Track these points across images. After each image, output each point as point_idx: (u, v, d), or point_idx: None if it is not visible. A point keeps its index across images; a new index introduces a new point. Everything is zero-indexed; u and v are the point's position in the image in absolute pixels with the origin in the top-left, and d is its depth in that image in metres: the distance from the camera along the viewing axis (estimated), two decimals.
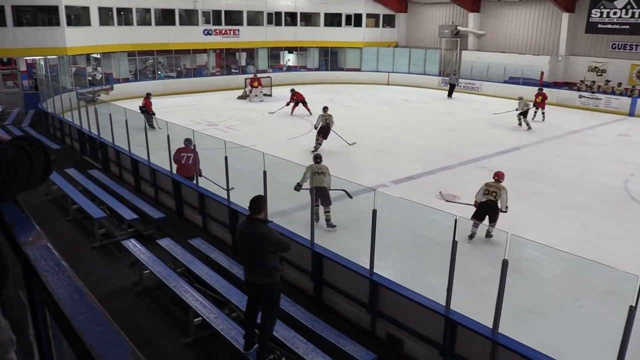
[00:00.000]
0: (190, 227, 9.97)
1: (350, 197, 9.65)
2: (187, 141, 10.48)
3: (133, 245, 8.02)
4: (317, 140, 14.95)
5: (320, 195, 9.26)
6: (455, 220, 5.24)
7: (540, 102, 20.51)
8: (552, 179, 12.91)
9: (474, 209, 9.10)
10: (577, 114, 22.49)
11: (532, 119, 20.40)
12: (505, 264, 4.96)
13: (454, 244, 5.34)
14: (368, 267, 6.36)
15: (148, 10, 26.41)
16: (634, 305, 4.21)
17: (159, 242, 8.30)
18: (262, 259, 5.25)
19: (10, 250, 1.58)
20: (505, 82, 27.20)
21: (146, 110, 17.29)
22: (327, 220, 9.52)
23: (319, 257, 7.08)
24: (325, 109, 15.44)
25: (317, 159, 9.83)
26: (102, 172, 12.92)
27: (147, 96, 18.32)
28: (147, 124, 13.77)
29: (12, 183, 1.43)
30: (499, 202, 8.80)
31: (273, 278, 5.34)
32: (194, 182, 10.09)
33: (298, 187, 9.50)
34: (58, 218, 10.57)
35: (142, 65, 27.74)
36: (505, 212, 8.86)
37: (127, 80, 26.16)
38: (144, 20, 26.56)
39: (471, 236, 8.92)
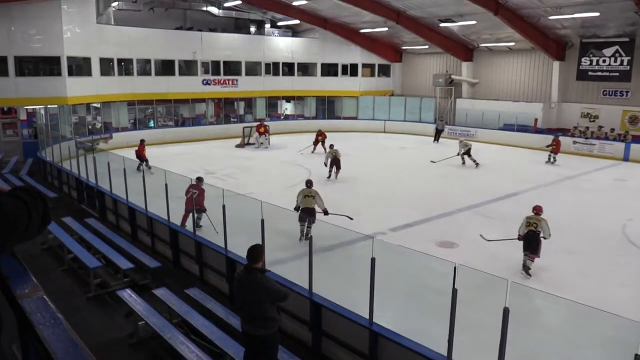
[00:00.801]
0: (186, 277, 9.86)
1: (351, 219, 11.26)
2: (198, 179, 11.59)
3: (128, 296, 7.90)
4: (329, 171, 17.74)
5: (308, 214, 10.83)
6: (455, 268, 5.20)
7: (555, 148, 21.43)
8: (550, 225, 12.88)
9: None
10: (572, 160, 22.68)
11: (545, 162, 21.43)
12: (506, 312, 4.90)
13: (454, 292, 5.28)
14: (367, 317, 6.26)
15: (148, 61, 26.99)
16: (639, 353, 4.13)
17: (154, 292, 8.19)
18: (260, 309, 5.17)
19: (6, 302, 1.56)
20: (500, 128, 27.63)
21: (139, 156, 17.65)
22: (307, 234, 10.67)
23: (317, 307, 6.97)
24: (331, 146, 18.41)
25: (308, 183, 11.67)
26: (99, 221, 12.87)
27: (141, 142, 18.95)
28: (145, 167, 14.89)
29: (10, 234, 1.43)
30: (540, 232, 9.59)
31: (271, 329, 5.25)
32: (197, 215, 11.05)
33: (297, 209, 11.18)
34: (53, 267, 10.45)
35: (142, 114, 28.11)
36: (548, 238, 9.63)
37: (126, 129, 26.44)
38: (144, 71, 27.10)
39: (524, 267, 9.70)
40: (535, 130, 26.22)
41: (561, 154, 23.12)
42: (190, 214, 11.03)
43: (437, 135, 28.26)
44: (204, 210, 11.23)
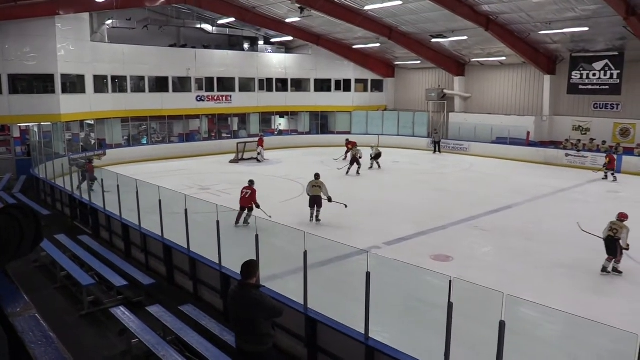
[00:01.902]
0: (181, 293, 9.79)
1: (346, 207, 13.86)
2: (250, 182, 13.63)
3: (122, 313, 7.82)
4: (348, 167, 21.75)
5: (316, 201, 13.59)
6: (450, 281, 5.19)
7: (610, 164, 20.96)
8: (544, 237, 12.92)
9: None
10: (565, 172, 22.82)
11: (612, 181, 20.76)
12: (502, 325, 4.88)
13: (450, 306, 5.26)
14: (363, 332, 6.22)
15: (142, 78, 27.09)
16: None
17: (148, 309, 8.11)
18: (254, 326, 5.13)
19: None
20: (492, 142, 27.82)
21: (88, 174, 17.27)
22: (317, 217, 13.77)
23: (312, 322, 6.92)
24: (354, 144, 23.32)
25: (316, 176, 14.02)
26: (92, 238, 12.78)
27: (90, 161, 18.88)
28: (88, 185, 15.52)
29: (2, 252, 1.42)
30: (620, 239, 10.02)
31: (265, 345, 5.20)
32: (249, 212, 13.12)
33: (307, 194, 13.86)
34: (46, 285, 10.35)
35: (135, 130, 28.10)
36: (627, 249, 10.07)
37: (119, 145, 26.41)
38: (138, 88, 27.17)
39: (603, 269, 10.24)
40: (528, 143, 26.42)
41: (554, 167, 23.28)
42: (244, 211, 13.08)
43: (436, 146, 29.18)
44: (258, 206, 12.88)
